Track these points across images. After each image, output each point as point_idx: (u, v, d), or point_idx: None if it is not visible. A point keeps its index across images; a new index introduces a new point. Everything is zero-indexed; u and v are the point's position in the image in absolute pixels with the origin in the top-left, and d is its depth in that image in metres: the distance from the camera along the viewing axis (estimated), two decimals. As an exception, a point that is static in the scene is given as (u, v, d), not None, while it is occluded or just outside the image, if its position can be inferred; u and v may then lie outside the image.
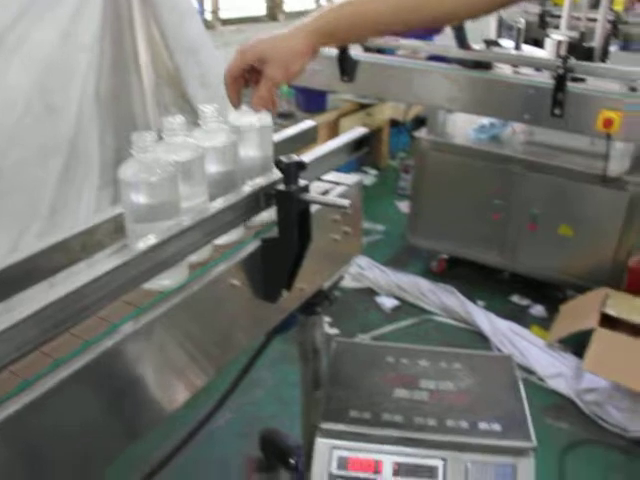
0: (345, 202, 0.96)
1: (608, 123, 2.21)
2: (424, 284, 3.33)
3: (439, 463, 1.25)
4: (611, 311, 2.76)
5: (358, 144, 1.30)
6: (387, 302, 3.25)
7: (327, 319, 3.04)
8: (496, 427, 1.29)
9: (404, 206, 4.17)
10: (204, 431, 2.31)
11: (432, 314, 3.15)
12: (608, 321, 2.73)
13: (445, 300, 3.19)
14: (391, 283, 3.32)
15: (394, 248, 3.79)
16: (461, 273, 3.51)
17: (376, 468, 1.24)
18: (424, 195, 3.41)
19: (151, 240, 0.84)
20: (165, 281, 0.93)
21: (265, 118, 1.11)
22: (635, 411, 2.48)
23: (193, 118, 1.06)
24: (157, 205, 0.91)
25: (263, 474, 2.24)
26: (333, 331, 2.94)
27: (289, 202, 0.97)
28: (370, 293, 3.34)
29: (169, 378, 0.94)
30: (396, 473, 1.24)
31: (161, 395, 0.94)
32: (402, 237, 3.68)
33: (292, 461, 1.98)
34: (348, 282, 3.34)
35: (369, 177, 4.85)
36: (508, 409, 1.35)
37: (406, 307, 3.23)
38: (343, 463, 1.25)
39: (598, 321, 2.69)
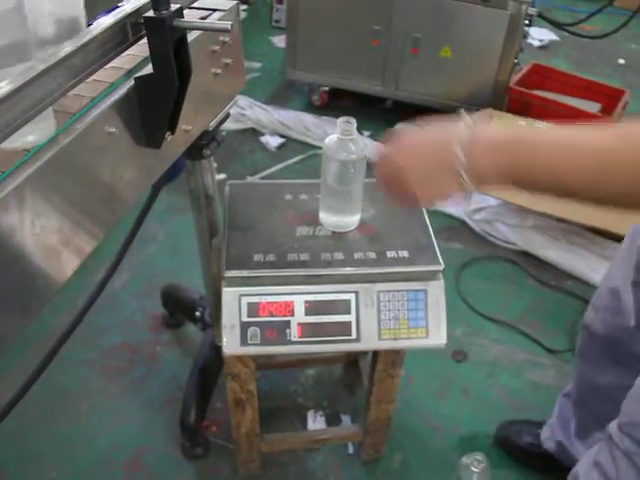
0: (227, 25, 0.83)
1: None
2: (308, 119, 3.24)
3: (351, 296, 1.22)
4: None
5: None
6: (272, 141, 3.14)
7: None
8: (404, 254, 1.27)
9: (279, 40, 3.97)
10: (103, 297, 2.22)
11: (318, 148, 3.04)
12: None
13: (330, 133, 3.09)
14: (274, 121, 3.20)
15: (273, 85, 3.64)
16: (344, 105, 3.43)
17: (288, 310, 1.20)
18: (300, 26, 3.20)
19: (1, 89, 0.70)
20: (29, 137, 0.80)
21: None
22: (521, 225, 2.57)
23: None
24: (1, 46, 0.76)
25: (170, 330, 2.19)
26: (220, 176, 2.83)
27: (162, 30, 0.83)
28: (254, 133, 3.21)
29: (52, 248, 0.83)
30: (309, 312, 1.21)
31: (47, 267, 0.83)
32: (281, 73, 3.53)
33: (197, 313, 1.95)
34: (229, 124, 3.19)
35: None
36: (414, 235, 1.33)
37: (292, 144, 3.14)
38: (253, 309, 1.20)
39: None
